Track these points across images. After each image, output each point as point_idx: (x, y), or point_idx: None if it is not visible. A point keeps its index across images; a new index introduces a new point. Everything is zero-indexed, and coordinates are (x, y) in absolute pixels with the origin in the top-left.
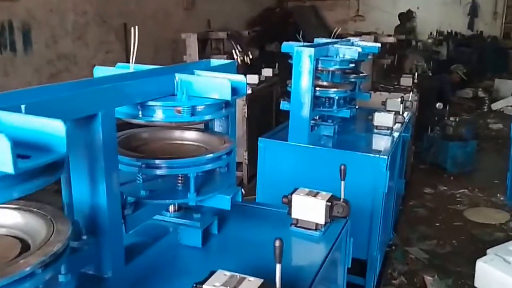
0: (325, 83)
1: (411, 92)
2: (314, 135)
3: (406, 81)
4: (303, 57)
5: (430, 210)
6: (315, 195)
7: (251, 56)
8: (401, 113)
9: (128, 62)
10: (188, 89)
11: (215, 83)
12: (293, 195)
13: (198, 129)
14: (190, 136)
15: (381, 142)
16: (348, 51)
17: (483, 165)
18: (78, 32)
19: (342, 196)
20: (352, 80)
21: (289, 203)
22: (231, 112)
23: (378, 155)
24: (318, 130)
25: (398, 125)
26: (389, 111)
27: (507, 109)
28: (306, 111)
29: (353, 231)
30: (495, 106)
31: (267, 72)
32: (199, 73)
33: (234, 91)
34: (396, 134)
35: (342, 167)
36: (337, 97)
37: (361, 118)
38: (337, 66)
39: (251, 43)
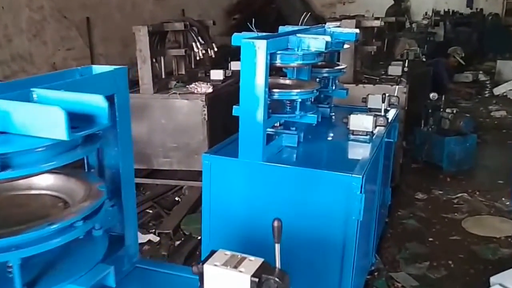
0: (287, 82)
1: (397, 85)
2: (272, 147)
3: (394, 69)
4: (253, 51)
5: (423, 221)
6: (237, 265)
7: (215, 49)
8: (383, 112)
9: (93, 59)
10: (5, 124)
11: (41, 113)
12: (206, 265)
13: (58, 172)
14: (45, 182)
15: (358, 152)
16: (313, 42)
17: (485, 161)
18: (34, 29)
19: (278, 265)
20: (325, 74)
21: (200, 276)
22: (123, 140)
23: (350, 174)
24: (278, 141)
25: (380, 129)
26: (370, 109)
27: (511, 93)
28: (258, 119)
29: (321, 266)
30: (498, 90)
31: (235, 65)
32: (39, 93)
33: (87, 120)
34: (377, 140)
35: (275, 223)
36: (300, 100)
37: (338, 120)
38: (300, 61)
39: (230, 32)
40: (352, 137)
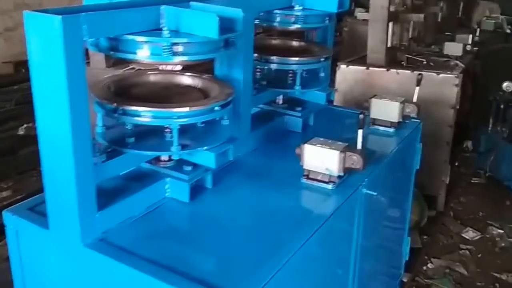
0: (183, 81)
1: (418, 85)
2: (125, 207)
3: (452, 47)
4: (45, 36)
5: (462, 283)
6: None
7: None
8: (359, 141)
9: None
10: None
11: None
12: None
13: None
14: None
15: (300, 221)
16: (198, 22)
17: None
18: None
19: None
20: (294, 66)
21: None
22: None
23: None
24: (150, 191)
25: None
26: (374, 121)
27: None
28: (68, 164)
29: None
30: None
31: None
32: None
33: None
34: (344, 193)
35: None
36: (177, 127)
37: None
38: (171, 57)
39: None
40: (305, 182)
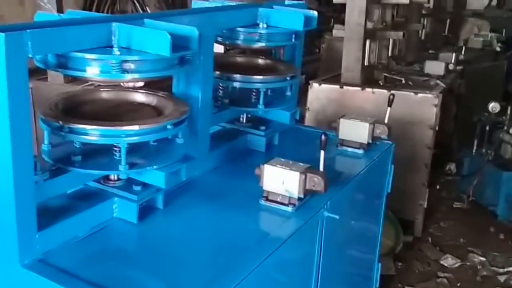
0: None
1: (389, 106)
2: (69, 228)
3: (433, 66)
4: None
5: None
6: None
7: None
8: (321, 164)
9: None
10: None
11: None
12: None
13: None
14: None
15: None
16: (149, 39)
17: None
18: None
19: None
20: (257, 85)
21: None
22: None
23: None
24: (92, 213)
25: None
26: (343, 142)
27: None
28: (7, 177)
29: None
30: None
31: None
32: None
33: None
34: (304, 216)
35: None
36: (126, 145)
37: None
38: (119, 75)
39: None
40: (264, 204)
